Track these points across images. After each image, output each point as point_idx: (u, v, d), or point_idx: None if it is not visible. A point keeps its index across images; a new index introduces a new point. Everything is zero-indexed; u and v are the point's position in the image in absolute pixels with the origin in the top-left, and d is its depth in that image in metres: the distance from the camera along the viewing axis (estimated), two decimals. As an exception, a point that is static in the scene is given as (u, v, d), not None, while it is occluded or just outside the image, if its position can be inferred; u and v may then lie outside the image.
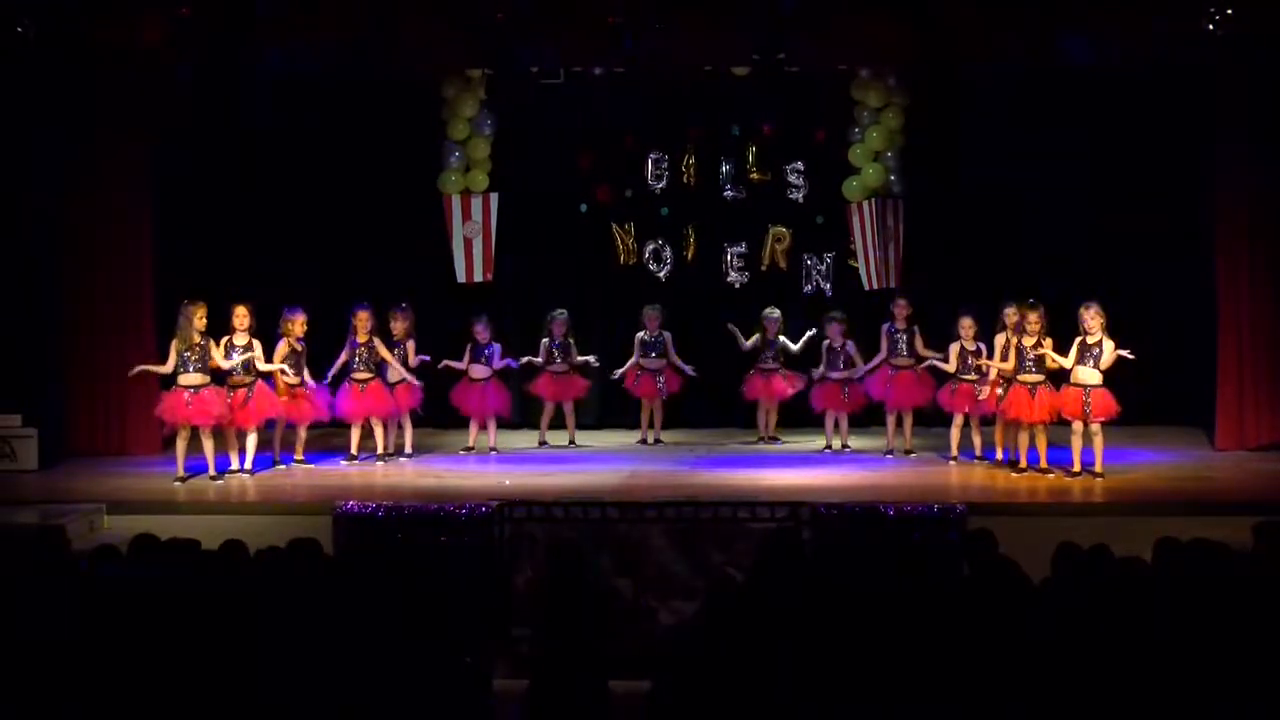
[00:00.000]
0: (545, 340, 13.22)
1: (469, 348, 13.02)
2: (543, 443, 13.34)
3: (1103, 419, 11.37)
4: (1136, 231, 13.80)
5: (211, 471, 11.68)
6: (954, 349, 12.24)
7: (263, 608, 6.36)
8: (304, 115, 13.77)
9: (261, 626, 6.14)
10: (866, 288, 13.65)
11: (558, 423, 13.47)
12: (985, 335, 12.11)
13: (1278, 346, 12.79)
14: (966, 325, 12.20)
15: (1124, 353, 11.31)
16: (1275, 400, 12.78)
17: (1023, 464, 11.67)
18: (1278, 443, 12.65)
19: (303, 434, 12.44)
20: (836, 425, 13.05)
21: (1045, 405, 11.50)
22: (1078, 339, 11.41)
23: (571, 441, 13.38)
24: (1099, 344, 11.32)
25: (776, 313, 13.25)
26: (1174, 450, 12.76)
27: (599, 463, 12.59)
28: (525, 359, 13.10)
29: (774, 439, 13.46)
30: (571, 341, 13.24)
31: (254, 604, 6.41)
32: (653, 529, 10.15)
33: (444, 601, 7.13)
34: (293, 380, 12.05)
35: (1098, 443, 11.41)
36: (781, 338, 13.11)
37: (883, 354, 12.64)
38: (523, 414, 13.89)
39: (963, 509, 10.09)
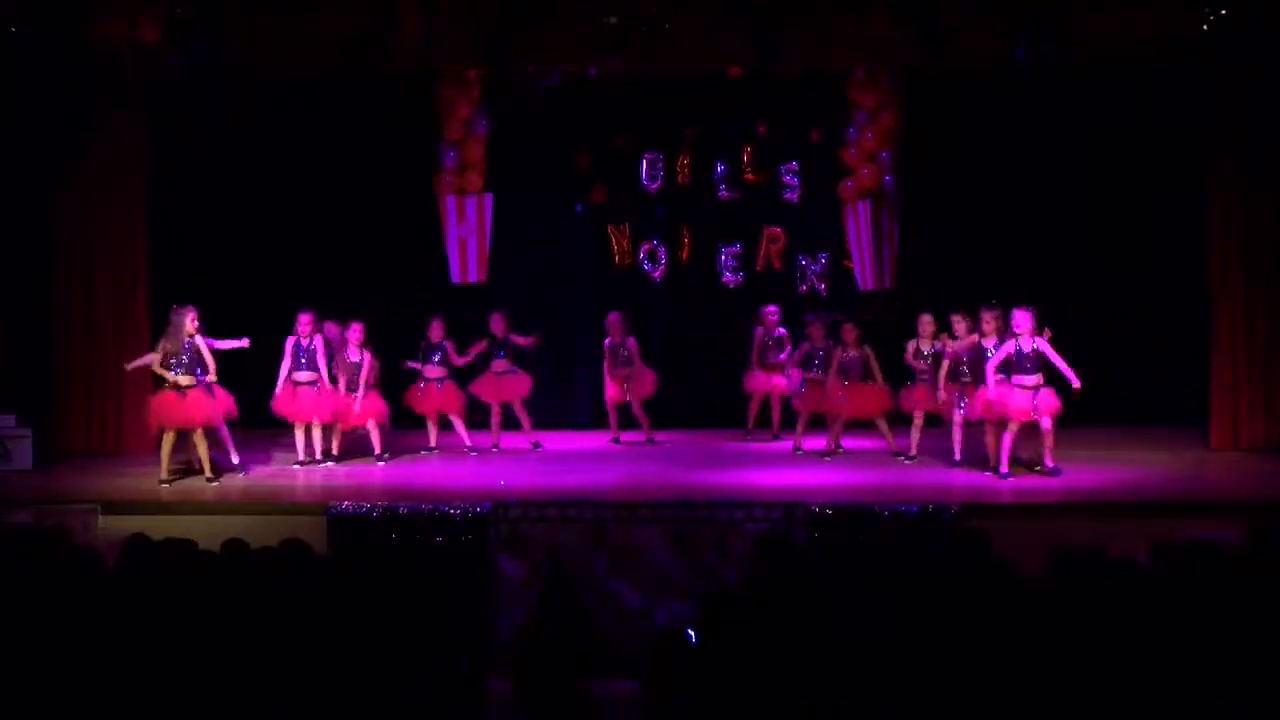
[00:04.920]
0: (485, 340, 13.13)
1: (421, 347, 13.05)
2: (495, 446, 13.19)
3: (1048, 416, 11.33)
4: (1133, 231, 13.84)
5: (208, 473, 11.67)
6: (909, 347, 12.29)
7: (259, 608, 6.36)
8: (299, 116, 13.77)
9: (258, 626, 6.14)
10: (861, 288, 13.68)
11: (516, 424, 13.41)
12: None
13: (1272, 347, 12.82)
14: (925, 323, 12.24)
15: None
16: (1269, 400, 12.81)
17: (992, 464, 11.66)
18: (1272, 442, 12.67)
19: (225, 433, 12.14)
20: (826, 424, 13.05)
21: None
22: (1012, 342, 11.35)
23: (535, 444, 13.29)
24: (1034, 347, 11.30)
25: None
26: (1169, 450, 12.77)
27: (594, 464, 12.60)
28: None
29: (777, 437, 13.54)
30: (511, 338, 13.15)
31: (250, 604, 6.41)
32: (648, 530, 10.16)
33: (438, 602, 7.13)
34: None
35: (1049, 441, 11.38)
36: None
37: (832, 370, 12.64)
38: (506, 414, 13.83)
39: (956, 510, 10.10)
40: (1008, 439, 11.34)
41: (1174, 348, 13.67)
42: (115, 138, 13.03)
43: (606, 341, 13.32)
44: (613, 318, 13.30)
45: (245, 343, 11.89)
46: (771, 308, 13.38)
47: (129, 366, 12.02)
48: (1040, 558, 7.01)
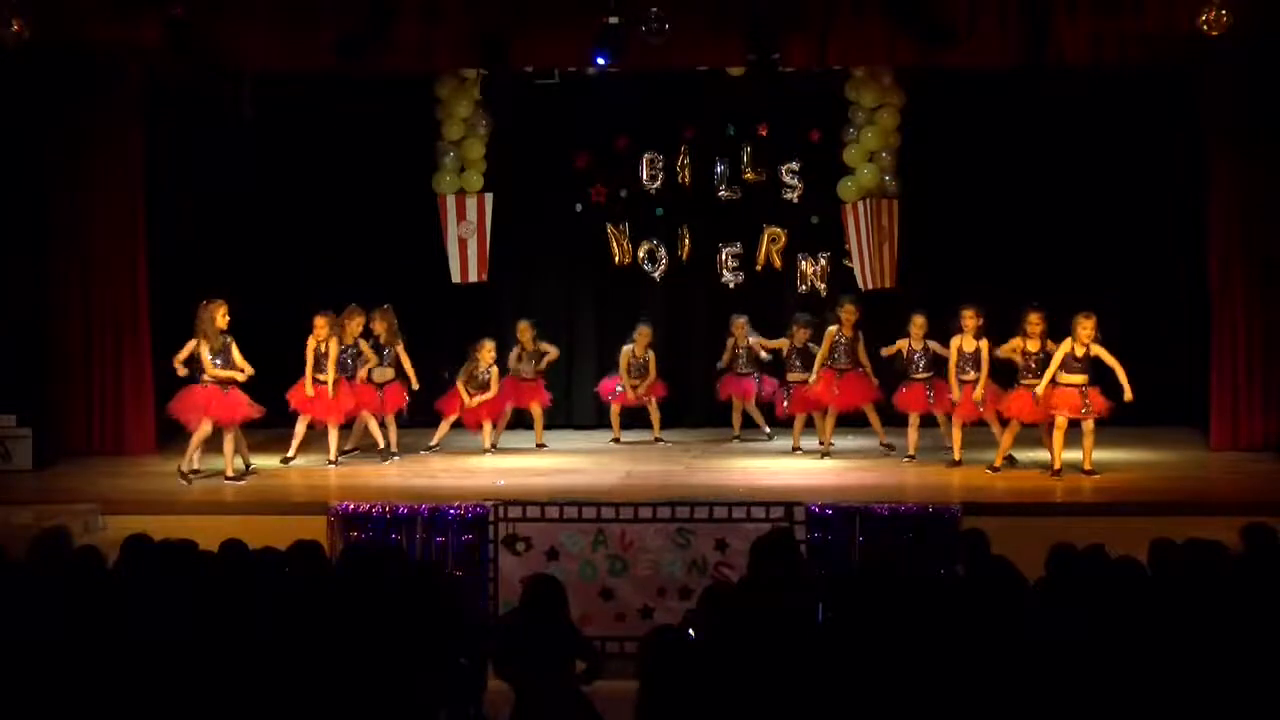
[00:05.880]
0: (516, 349, 13.16)
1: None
2: (493, 445, 13.14)
3: (1096, 417, 11.45)
4: (1132, 232, 13.84)
5: (229, 472, 11.68)
6: (900, 345, 12.30)
7: (260, 608, 6.37)
8: (298, 115, 13.74)
9: (259, 626, 6.14)
10: (861, 288, 13.66)
11: (525, 425, 13.44)
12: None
13: (1272, 347, 12.81)
14: (918, 324, 12.23)
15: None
16: (1269, 401, 12.80)
17: (998, 463, 11.77)
18: (1272, 442, 12.67)
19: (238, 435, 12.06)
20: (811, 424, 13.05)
21: (1045, 407, 11.56)
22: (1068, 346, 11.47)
23: (540, 445, 13.28)
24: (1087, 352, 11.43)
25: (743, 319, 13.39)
26: (1169, 450, 12.77)
27: (594, 463, 12.59)
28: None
29: (770, 437, 13.53)
30: (540, 347, 13.18)
31: (252, 604, 6.41)
32: (648, 529, 10.16)
33: (438, 602, 7.13)
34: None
35: (1088, 442, 11.48)
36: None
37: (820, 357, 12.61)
38: (517, 415, 13.81)
39: (957, 509, 10.11)
40: (1057, 436, 11.51)
41: (1174, 348, 13.66)
42: (116, 137, 13.02)
43: (628, 347, 13.32)
44: (644, 329, 13.32)
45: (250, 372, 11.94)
46: (742, 319, 13.38)
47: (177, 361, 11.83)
48: (1042, 558, 7.03)
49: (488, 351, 12.92)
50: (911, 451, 12.36)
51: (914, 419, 12.38)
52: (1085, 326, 11.40)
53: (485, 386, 12.91)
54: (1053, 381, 11.48)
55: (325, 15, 11.80)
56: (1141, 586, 6.47)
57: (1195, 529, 7.73)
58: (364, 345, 12.47)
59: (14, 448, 12.34)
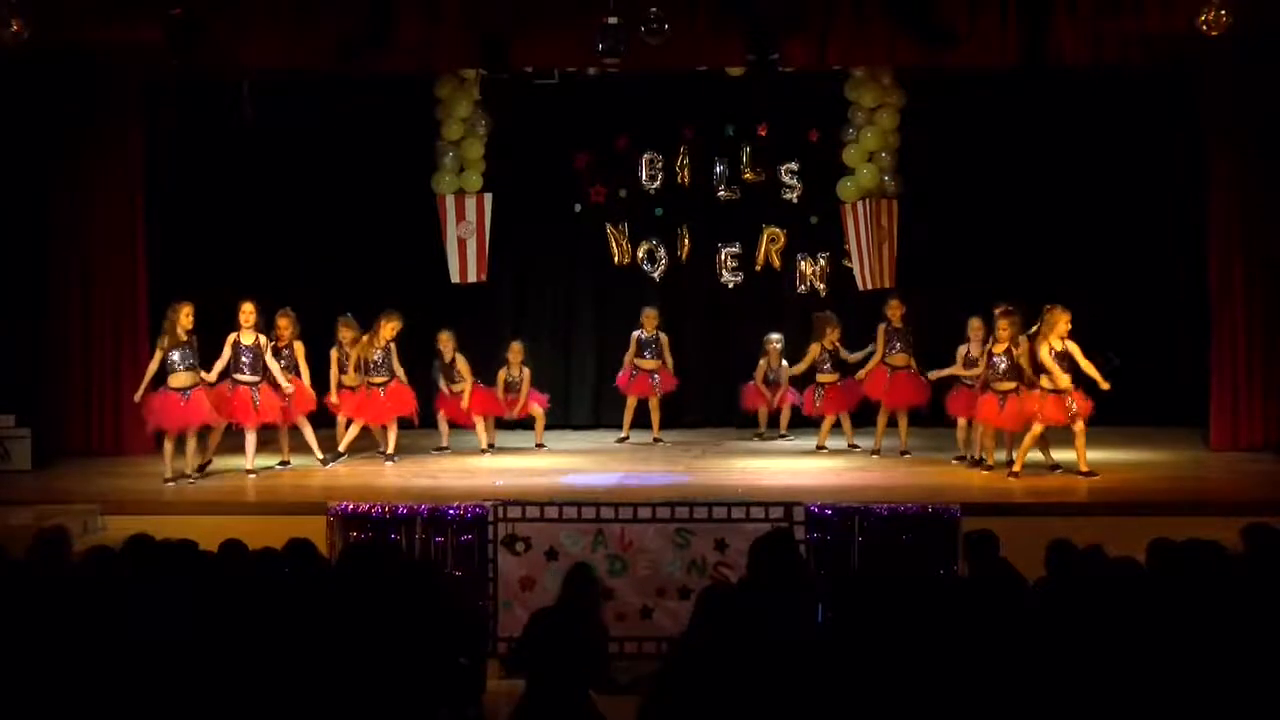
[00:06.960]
0: (502, 371, 13.09)
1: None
2: (491, 445, 13.11)
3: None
4: (1132, 232, 13.85)
5: (192, 465, 11.63)
6: (960, 351, 12.19)
7: (259, 608, 6.36)
8: (298, 115, 13.74)
9: (259, 626, 6.14)
10: (860, 288, 13.67)
11: (525, 425, 13.41)
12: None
13: (1271, 347, 12.82)
14: (975, 328, 12.12)
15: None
16: (1269, 401, 12.81)
17: (990, 462, 11.77)
18: (1272, 442, 12.67)
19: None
20: (836, 424, 13.06)
21: (1013, 413, 11.51)
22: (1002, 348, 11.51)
23: (539, 445, 13.26)
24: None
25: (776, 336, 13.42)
26: (1169, 450, 12.77)
27: (594, 463, 12.59)
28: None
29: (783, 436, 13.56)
30: (526, 372, 13.13)
31: (251, 604, 6.41)
32: (648, 529, 10.16)
33: (439, 603, 7.13)
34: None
35: (1079, 443, 11.44)
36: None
37: (878, 354, 12.64)
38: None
39: (957, 510, 10.10)
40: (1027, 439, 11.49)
41: (1174, 348, 13.66)
42: (115, 138, 13.03)
43: (636, 334, 13.30)
44: (649, 311, 13.32)
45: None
46: (776, 337, 13.39)
47: (147, 378, 11.79)
48: (1040, 557, 7.03)
49: (445, 341, 12.83)
50: (962, 451, 12.35)
51: (963, 421, 12.33)
52: (1061, 320, 11.32)
53: (455, 378, 12.86)
54: (1039, 387, 11.36)
55: (325, 15, 11.79)
56: (1141, 586, 6.47)
57: (1195, 529, 7.72)
58: (393, 348, 12.40)
59: (14, 448, 12.33)
